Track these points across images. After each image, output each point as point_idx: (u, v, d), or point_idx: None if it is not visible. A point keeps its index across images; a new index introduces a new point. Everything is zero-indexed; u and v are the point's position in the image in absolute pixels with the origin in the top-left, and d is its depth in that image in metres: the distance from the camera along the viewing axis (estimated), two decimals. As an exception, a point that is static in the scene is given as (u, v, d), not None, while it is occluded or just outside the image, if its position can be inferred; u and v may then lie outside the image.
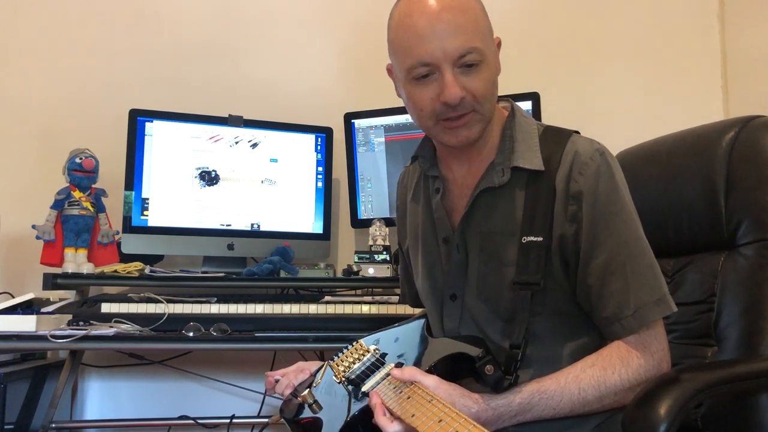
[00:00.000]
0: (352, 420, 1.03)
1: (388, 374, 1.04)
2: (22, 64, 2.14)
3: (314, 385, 1.16)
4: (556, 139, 1.08)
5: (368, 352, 1.15)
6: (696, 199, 1.25)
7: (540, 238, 1.02)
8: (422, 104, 1.04)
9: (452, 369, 1.02)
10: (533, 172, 1.06)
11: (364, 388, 1.06)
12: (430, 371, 0.99)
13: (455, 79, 1.00)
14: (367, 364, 1.12)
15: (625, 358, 1.00)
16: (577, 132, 1.10)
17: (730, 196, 1.20)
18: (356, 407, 1.05)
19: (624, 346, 1.00)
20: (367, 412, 0.99)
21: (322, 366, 1.20)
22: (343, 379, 1.11)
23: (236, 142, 1.97)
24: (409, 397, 0.93)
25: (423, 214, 1.20)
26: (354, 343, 1.20)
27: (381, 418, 0.92)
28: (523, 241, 1.03)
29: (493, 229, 1.08)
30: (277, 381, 1.25)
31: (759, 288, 1.13)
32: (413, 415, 0.89)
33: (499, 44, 1.08)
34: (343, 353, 1.18)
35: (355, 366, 1.12)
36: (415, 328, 1.22)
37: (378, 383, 1.05)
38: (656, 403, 0.89)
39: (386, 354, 1.14)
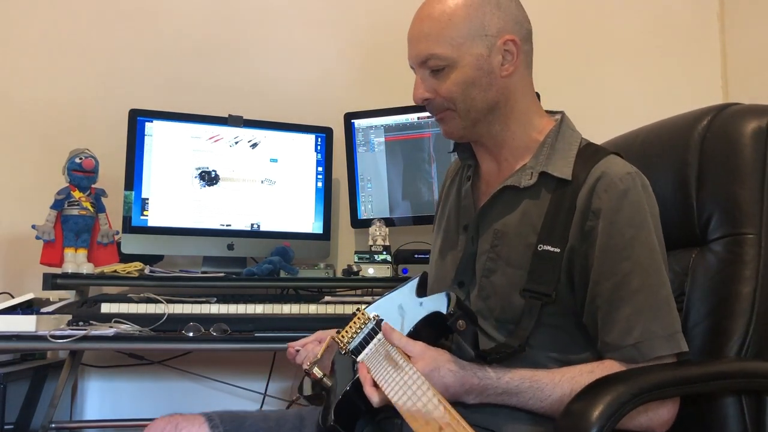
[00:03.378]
0: (346, 396, 1.03)
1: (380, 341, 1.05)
2: (22, 64, 2.14)
3: (317, 359, 1.15)
4: (592, 155, 1.07)
5: (369, 320, 1.15)
6: (668, 192, 1.18)
7: (557, 250, 1.01)
8: None
9: (433, 330, 1.02)
10: (561, 180, 1.05)
11: (359, 359, 1.06)
12: (411, 335, 1.00)
13: (422, 82, 1.10)
14: (365, 332, 1.11)
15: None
16: (618, 154, 1.08)
17: (702, 188, 1.13)
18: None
19: (626, 368, 0.97)
20: (360, 385, 1.00)
21: (327, 340, 1.19)
22: (347, 350, 1.10)
23: (236, 142, 1.97)
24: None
25: (453, 200, 1.22)
26: (357, 312, 1.19)
27: (368, 389, 0.95)
28: (539, 249, 1.02)
29: (507, 228, 1.07)
30: (297, 351, 1.23)
31: (725, 286, 1.07)
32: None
33: (513, 42, 1.07)
34: (348, 324, 1.18)
35: (357, 337, 1.12)
36: (409, 289, 1.21)
37: (370, 352, 1.06)
38: (589, 407, 0.85)
39: (382, 321, 1.13)
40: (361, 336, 1.11)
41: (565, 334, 1.03)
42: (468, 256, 1.12)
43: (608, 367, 0.98)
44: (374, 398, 0.94)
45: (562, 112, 1.16)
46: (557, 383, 0.96)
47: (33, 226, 1.75)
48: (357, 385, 1.02)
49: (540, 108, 1.15)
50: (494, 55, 1.06)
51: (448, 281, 1.15)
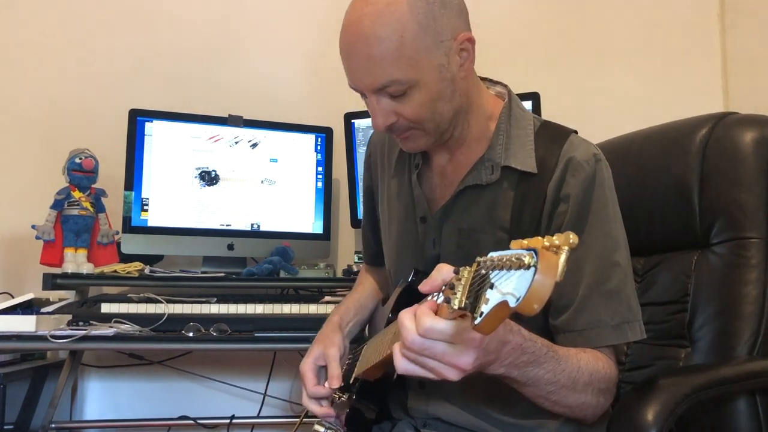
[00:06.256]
0: (353, 408, 1.04)
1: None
2: (22, 64, 2.14)
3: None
4: (552, 138, 1.03)
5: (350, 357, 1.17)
6: (668, 197, 1.22)
7: None
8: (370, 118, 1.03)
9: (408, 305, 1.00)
10: (524, 172, 1.02)
11: (352, 378, 1.08)
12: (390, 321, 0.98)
13: (380, 107, 0.97)
14: (351, 362, 1.14)
15: (599, 359, 0.96)
16: (575, 132, 1.06)
17: (704, 193, 1.17)
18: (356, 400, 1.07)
19: (594, 349, 0.97)
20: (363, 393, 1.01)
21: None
22: (338, 394, 1.11)
23: (236, 142, 1.97)
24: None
25: (405, 187, 1.15)
26: None
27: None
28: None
29: (474, 226, 1.04)
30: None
31: (735, 288, 1.10)
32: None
33: (469, 40, 0.98)
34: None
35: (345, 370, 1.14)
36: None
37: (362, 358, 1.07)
38: (643, 408, 0.86)
39: (363, 346, 1.16)
40: (349, 365, 1.14)
41: (541, 323, 1.02)
42: (431, 259, 1.07)
43: (589, 350, 0.96)
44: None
45: (506, 86, 1.10)
46: (569, 357, 0.92)
47: (33, 226, 1.75)
48: (360, 394, 1.02)
49: (484, 87, 1.09)
50: (452, 59, 0.97)
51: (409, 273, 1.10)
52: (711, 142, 1.17)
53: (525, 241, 0.59)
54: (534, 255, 0.56)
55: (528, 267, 0.55)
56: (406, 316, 0.77)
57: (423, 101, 0.97)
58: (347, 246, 2.18)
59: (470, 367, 0.77)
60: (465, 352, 0.76)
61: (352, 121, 2.03)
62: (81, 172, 1.79)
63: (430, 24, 0.93)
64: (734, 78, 2.15)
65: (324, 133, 2.05)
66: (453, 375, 0.77)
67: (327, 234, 2.02)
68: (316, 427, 1.10)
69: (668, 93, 2.16)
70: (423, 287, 0.79)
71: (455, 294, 0.65)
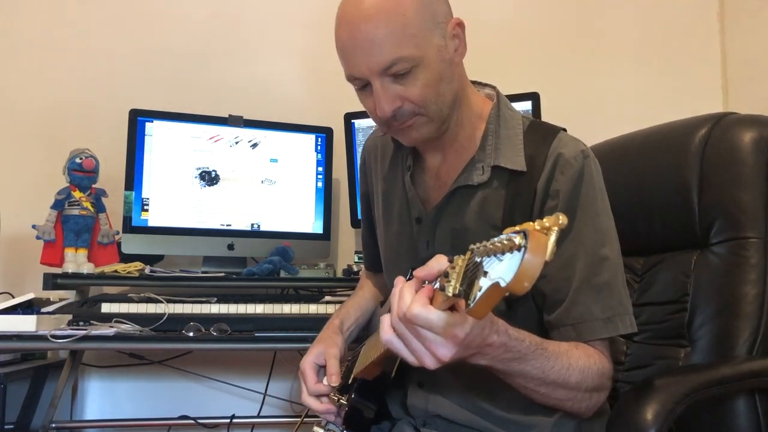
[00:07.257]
0: (351, 406, 1.05)
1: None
2: (22, 64, 2.14)
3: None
4: (541, 136, 1.05)
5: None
6: (668, 197, 1.23)
7: None
8: (370, 112, 1.04)
9: None
10: (514, 171, 1.03)
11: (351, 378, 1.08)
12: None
13: (386, 92, 0.98)
14: (350, 363, 1.15)
15: (591, 355, 0.97)
16: (564, 129, 1.07)
17: (704, 193, 1.17)
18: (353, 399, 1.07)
19: (587, 345, 0.98)
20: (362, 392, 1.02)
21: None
22: (336, 396, 1.11)
23: (236, 142, 1.97)
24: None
25: (400, 189, 1.17)
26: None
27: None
28: None
29: (467, 225, 1.05)
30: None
31: (734, 287, 1.10)
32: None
33: (459, 25, 1.01)
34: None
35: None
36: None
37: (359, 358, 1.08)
38: (643, 407, 0.87)
39: (361, 346, 1.17)
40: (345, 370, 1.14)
41: (535, 319, 1.03)
42: (425, 260, 1.08)
43: (582, 345, 0.98)
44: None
45: (494, 88, 1.12)
46: (560, 354, 0.93)
47: (33, 226, 1.76)
48: (358, 393, 1.03)
49: (474, 87, 1.11)
50: (449, 42, 1.00)
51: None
52: (710, 142, 1.18)
53: (517, 227, 0.60)
54: (524, 236, 0.57)
55: (519, 248, 0.57)
56: (407, 289, 0.80)
57: (428, 81, 0.98)
58: (347, 246, 2.18)
59: (447, 360, 0.80)
60: (446, 344, 0.79)
61: (352, 121, 2.03)
62: (81, 172, 1.79)
63: (426, 4, 0.97)
64: (734, 78, 2.16)
65: (324, 133, 2.05)
66: (430, 362, 0.80)
67: (327, 234, 2.03)
68: (316, 428, 1.10)
69: (668, 93, 2.17)
70: (418, 272, 0.81)
71: (449, 281, 0.66)
